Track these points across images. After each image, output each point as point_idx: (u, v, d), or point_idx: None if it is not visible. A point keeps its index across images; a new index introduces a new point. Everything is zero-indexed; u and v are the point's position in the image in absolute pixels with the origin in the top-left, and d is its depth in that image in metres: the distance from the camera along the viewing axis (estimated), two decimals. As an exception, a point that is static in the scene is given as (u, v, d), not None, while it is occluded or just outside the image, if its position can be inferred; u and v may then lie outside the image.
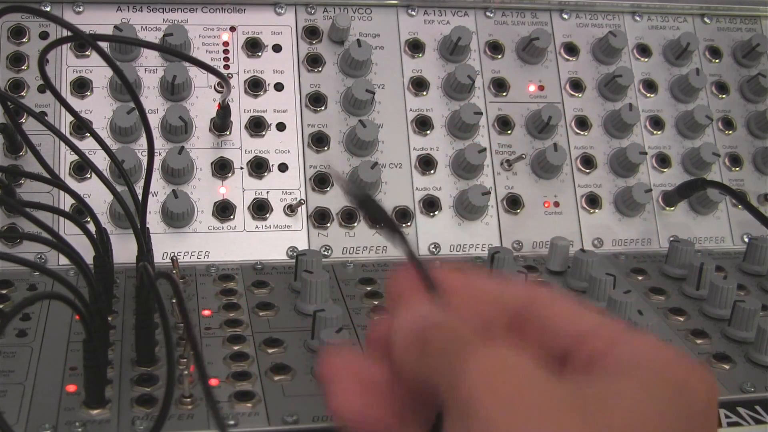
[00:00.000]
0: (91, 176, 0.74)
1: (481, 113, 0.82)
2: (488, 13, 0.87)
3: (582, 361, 0.36)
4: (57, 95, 0.65)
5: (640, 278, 0.77)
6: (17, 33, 0.77)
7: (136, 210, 0.65)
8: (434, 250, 0.78)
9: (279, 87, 0.80)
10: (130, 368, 0.58)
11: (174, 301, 0.63)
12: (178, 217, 0.73)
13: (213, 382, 0.58)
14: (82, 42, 0.77)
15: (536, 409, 0.32)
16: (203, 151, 0.77)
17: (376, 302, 0.69)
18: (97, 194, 0.72)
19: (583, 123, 0.86)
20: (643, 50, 0.89)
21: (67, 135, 0.74)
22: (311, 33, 0.82)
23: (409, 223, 0.78)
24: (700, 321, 0.71)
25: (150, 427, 0.50)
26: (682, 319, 0.71)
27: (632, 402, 0.34)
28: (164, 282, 0.67)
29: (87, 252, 0.60)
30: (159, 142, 0.76)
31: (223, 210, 0.76)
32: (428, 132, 0.81)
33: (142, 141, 0.73)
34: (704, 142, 0.86)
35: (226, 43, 0.81)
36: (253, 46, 0.81)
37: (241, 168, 0.77)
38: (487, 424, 0.33)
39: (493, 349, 0.34)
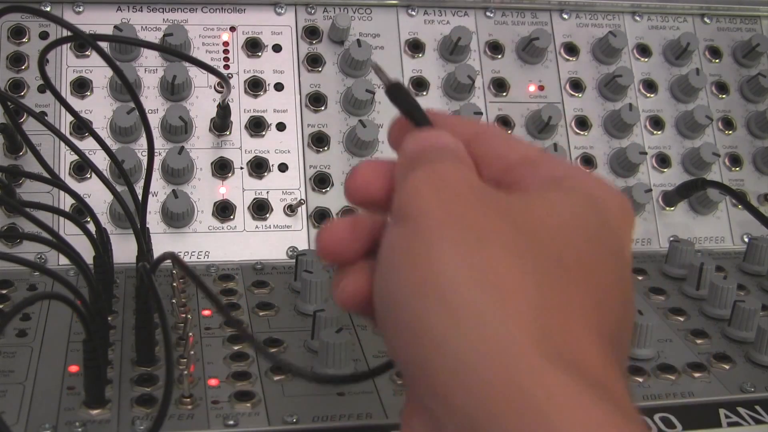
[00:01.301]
0: (91, 176, 0.74)
1: (481, 113, 0.82)
2: (488, 13, 0.87)
3: (511, 183, 0.40)
4: (57, 95, 0.65)
5: (640, 278, 0.77)
6: (17, 33, 0.77)
7: (136, 210, 0.65)
8: (434, 250, 0.78)
9: (279, 87, 0.80)
10: (130, 368, 0.58)
11: (174, 301, 0.63)
12: (178, 217, 0.73)
13: (213, 382, 0.58)
14: (82, 42, 0.77)
15: (470, 209, 0.36)
16: (203, 151, 0.77)
17: (376, 302, 0.69)
18: (97, 194, 0.72)
19: (583, 123, 0.86)
20: (643, 50, 0.89)
21: (67, 135, 0.74)
22: (311, 33, 0.82)
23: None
24: (700, 321, 0.71)
25: (150, 427, 0.50)
26: (682, 319, 0.71)
27: (555, 210, 0.38)
28: (164, 282, 0.68)
29: (87, 252, 0.60)
30: (159, 142, 0.76)
31: (223, 210, 0.76)
32: (428, 132, 0.81)
33: (142, 141, 0.73)
34: (704, 142, 0.86)
35: (226, 43, 0.81)
36: (253, 46, 0.81)
37: (241, 168, 0.77)
38: (419, 220, 0.37)
39: (441, 164, 0.39)
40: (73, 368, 0.58)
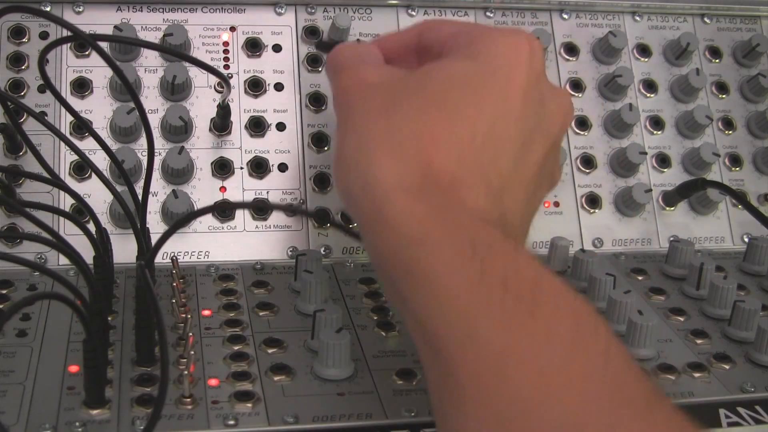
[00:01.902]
0: (91, 176, 0.74)
1: (481, 113, 0.81)
2: (488, 13, 0.87)
3: (437, 55, 0.56)
4: (57, 95, 0.65)
5: (640, 278, 0.77)
6: (17, 33, 0.77)
7: (136, 210, 0.65)
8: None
9: (279, 87, 0.80)
10: (130, 368, 0.58)
11: (174, 301, 0.63)
12: (178, 218, 0.73)
13: (213, 382, 0.58)
14: (82, 42, 0.77)
15: (356, 100, 0.53)
16: (203, 151, 0.77)
17: (376, 302, 0.69)
18: (97, 194, 0.72)
19: (583, 123, 0.86)
20: (643, 50, 0.89)
21: (67, 135, 0.74)
22: (311, 33, 0.82)
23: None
24: (700, 321, 0.71)
25: (146, 426, 0.50)
26: (682, 319, 0.71)
27: (443, 70, 0.53)
28: (164, 282, 0.68)
29: (87, 252, 0.60)
30: (159, 142, 0.76)
31: (223, 210, 0.76)
32: (428, 132, 0.81)
33: (142, 141, 0.73)
34: (704, 142, 0.86)
35: (226, 43, 0.81)
36: (253, 46, 0.81)
37: (241, 168, 0.77)
38: (338, 111, 0.55)
39: (343, 71, 0.56)
40: (73, 368, 0.58)
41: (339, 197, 0.56)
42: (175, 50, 0.77)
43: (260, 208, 0.76)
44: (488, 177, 0.50)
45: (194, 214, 0.69)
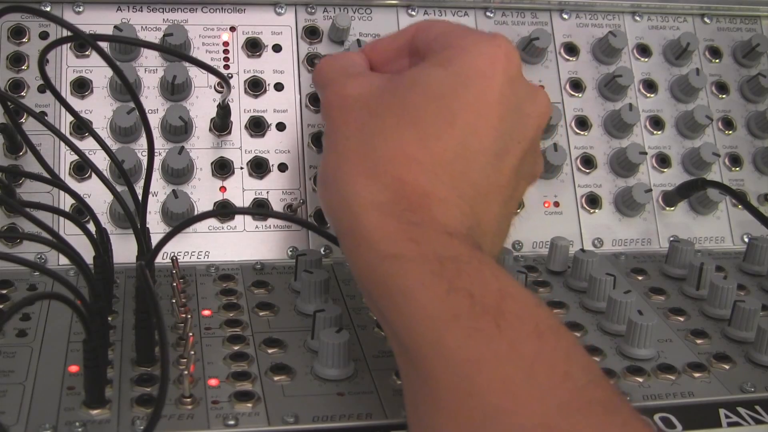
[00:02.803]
0: (91, 176, 0.74)
1: (481, 113, 0.81)
2: (488, 13, 0.87)
3: (423, 57, 0.58)
4: (57, 95, 0.65)
5: (640, 278, 0.77)
6: (17, 33, 0.77)
7: (136, 210, 0.65)
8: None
9: (279, 87, 0.80)
10: (130, 368, 0.58)
11: (174, 301, 0.63)
12: (178, 217, 0.73)
13: (213, 382, 0.58)
14: (82, 42, 0.77)
15: (338, 115, 0.56)
16: (203, 151, 0.77)
17: (376, 302, 0.69)
18: (97, 194, 0.72)
19: (583, 123, 0.86)
20: (643, 50, 0.89)
21: (67, 135, 0.74)
22: (311, 33, 0.82)
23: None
24: (700, 321, 0.71)
25: (146, 426, 0.50)
26: (682, 319, 0.71)
27: (416, 79, 0.55)
28: (164, 282, 0.68)
29: (87, 252, 0.60)
30: (159, 142, 0.76)
31: (226, 214, 0.75)
32: (428, 132, 0.81)
33: (142, 141, 0.74)
34: (704, 142, 0.86)
35: (226, 43, 0.81)
36: (253, 46, 0.81)
37: (241, 168, 0.77)
38: (327, 122, 0.58)
39: (329, 86, 0.58)
40: (73, 368, 0.58)
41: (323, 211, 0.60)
42: (175, 50, 0.77)
43: (260, 208, 0.76)
44: (460, 189, 0.52)
45: (198, 217, 0.68)
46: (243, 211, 0.76)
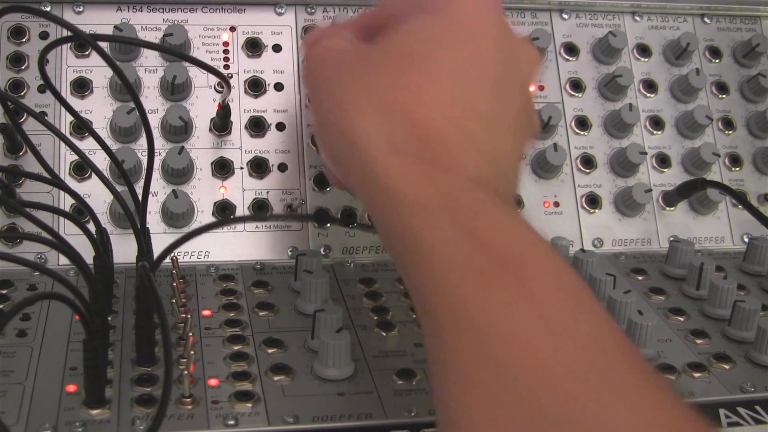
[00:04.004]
0: (91, 176, 0.74)
1: (481, 113, 0.81)
2: (488, 13, 0.87)
3: (398, 20, 0.54)
4: (57, 95, 0.65)
5: (640, 278, 0.77)
6: (17, 33, 0.77)
7: (136, 210, 0.65)
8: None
9: (279, 87, 0.80)
10: (130, 368, 0.58)
11: (174, 301, 0.63)
12: (178, 217, 0.73)
13: (213, 382, 0.58)
14: (82, 42, 0.77)
15: (337, 70, 0.53)
16: (203, 151, 0.77)
17: (376, 302, 0.69)
18: (97, 194, 0.72)
19: (583, 123, 0.86)
20: (643, 50, 0.89)
21: (67, 135, 0.74)
22: (311, 33, 0.82)
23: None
24: (700, 321, 0.71)
25: (149, 426, 0.50)
26: (682, 319, 0.71)
27: (407, 32, 0.52)
28: (164, 282, 0.68)
29: (87, 252, 0.60)
30: (159, 142, 0.76)
31: (223, 210, 0.76)
32: (428, 132, 0.81)
33: (142, 141, 0.73)
34: (704, 142, 0.86)
35: (226, 43, 0.81)
36: (253, 46, 0.81)
37: (241, 168, 0.77)
38: (317, 81, 0.55)
39: (329, 40, 0.55)
40: (73, 369, 0.58)
41: (329, 165, 0.58)
42: (175, 50, 0.77)
43: (260, 209, 0.76)
44: (472, 128, 0.49)
45: (205, 228, 0.66)
46: (246, 218, 0.76)
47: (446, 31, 0.52)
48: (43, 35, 0.78)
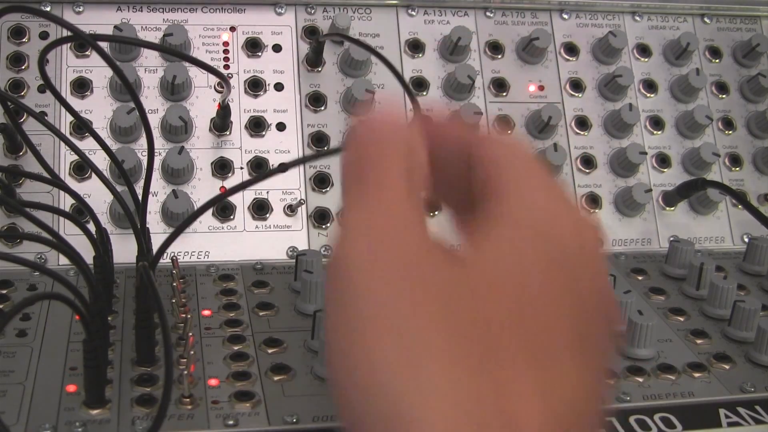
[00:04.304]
0: (91, 176, 0.74)
1: (481, 113, 0.82)
2: (488, 13, 0.87)
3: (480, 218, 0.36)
4: (57, 95, 0.65)
5: (640, 278, 0.77)
6: (17, 33, 0.77)
7: (136, 210, 0.65)
8: (434, 250, 0.78)
9: (279, 87, 0.80)
10: (130, 368, 0.58)
11: (174, 301, 0.63)
12: (178, 217, 0.73)
13: (213, 382, 0.58)
14: (82, 42, 0.77)
15: (402, 278, 0.32)
16: (203, 151, 0.77)
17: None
18: (97, 194, 0.72)
19: (583, 123, 0.86)
20: (643, 50, 0.89)
21: (67, 135, 0.74)
22: (311, 33, 0.82)
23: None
24: (700, 321, 0.71)
25: (150, 426, 0.50)
26: (682, 319, 0.71)
27: (499, 270, 0.33)
28: (164, 282, 0.68)
29: (87, 252, 0.60)
30: (159, 142, 0.76)
31: (223, 210, 0.76)
32: (428, 132, 0.81)
33: (142, 141, 0.73)
34: (704, 142, 0.86)
35: (226, 43, 0.81)
36: (253, 46, 0.81)
37: (241, 168, 0.77)
38: (351, 279, 0.33)
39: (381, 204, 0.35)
40: (73, 369, 0.58)
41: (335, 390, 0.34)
42: (175, 50, 0.77)
43: (260, 208, 0.76)
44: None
45: (197, 213, 0.66)
46: (238, 188, 0.73)
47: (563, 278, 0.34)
48: (43, 35, 0.78)
